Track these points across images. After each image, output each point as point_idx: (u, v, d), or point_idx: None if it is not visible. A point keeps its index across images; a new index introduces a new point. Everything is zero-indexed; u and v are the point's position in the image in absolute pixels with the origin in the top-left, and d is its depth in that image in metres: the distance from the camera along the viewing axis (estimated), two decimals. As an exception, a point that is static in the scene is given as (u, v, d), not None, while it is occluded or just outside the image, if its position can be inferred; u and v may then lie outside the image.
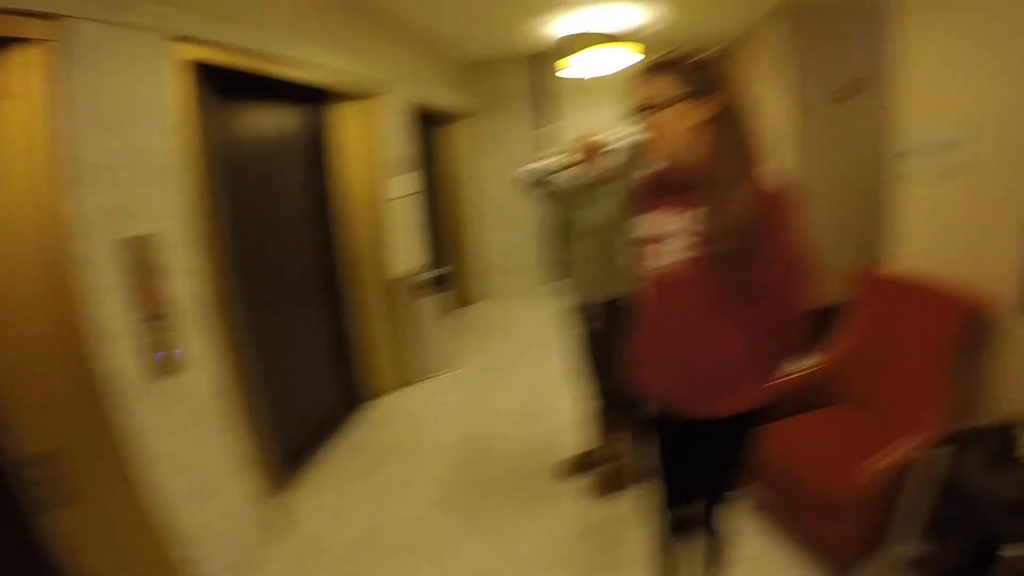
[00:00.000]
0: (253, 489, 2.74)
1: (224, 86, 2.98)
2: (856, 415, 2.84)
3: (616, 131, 2.71)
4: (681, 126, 1.60)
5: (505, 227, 7.34)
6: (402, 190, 4.79)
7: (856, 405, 2.90)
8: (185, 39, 2.39)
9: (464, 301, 7.29)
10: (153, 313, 2.20)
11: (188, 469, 2.35)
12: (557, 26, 5.38)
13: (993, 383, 2.51)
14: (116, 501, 2.08)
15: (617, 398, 3.10)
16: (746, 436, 1.82)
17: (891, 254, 3.31)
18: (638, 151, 2.56)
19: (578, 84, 6.53)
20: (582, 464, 3.35)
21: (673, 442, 1.95)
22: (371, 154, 4.32)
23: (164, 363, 2.24)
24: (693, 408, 1.76)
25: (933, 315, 2.65)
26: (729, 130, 1.58)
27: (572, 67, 5.43)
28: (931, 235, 2.96)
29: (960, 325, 2.51)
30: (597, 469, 3.29)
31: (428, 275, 4.81)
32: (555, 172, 3.06)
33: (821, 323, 3.27)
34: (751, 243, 1.51)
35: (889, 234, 3.32)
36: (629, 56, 5.35)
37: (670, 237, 1.67)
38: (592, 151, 2.86)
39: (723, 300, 1.62)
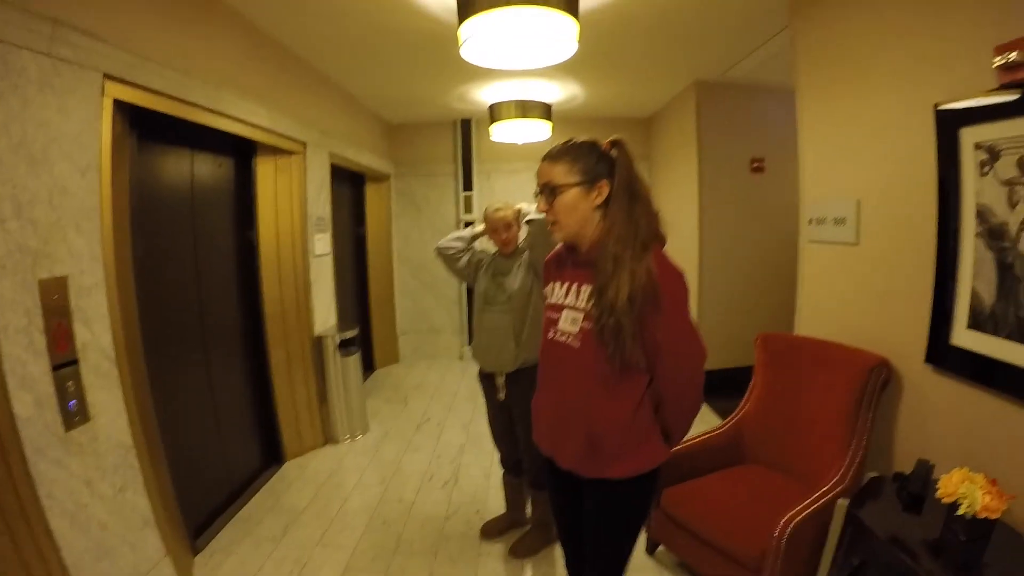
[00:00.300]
0: (163, 549, 2.56)
1: (150, 131, 2.91)
2: (766, 473, 2.91)
3: (532, 205, 2.79)
4: (575, 210, 1.74)
5: (429, 288, 7.35)
6: (325, 247, 4.76)
7: (765, 464, 2.99)
8: (114, 78, 2.33)
9: (386, 361, 7.18)
10: (65, 359, 2.07)
11: (94, 526, 2.17)
12: (484, 94, 5.55)
13: (907, 431, 2.65)
14: (19, 556, 1.90)
15: (520, 465, 3.13)
16: (637, 499, 1.87)
17: (800, 318, 3.50)
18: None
19: (506, 149, 6.73)
20: (502, 526, 3.32)
21: (569, 502, 2.00)
22: (295, 209, 4.27)
23: (75, 412, 2.09)
24: (584, 470, 1.83)
25: (836, 373, 2.78)
26: (619, 215, 1.71)
27: (501, 133, 5.60)
28: (836, 299, 3.15)
29: (862, 381, 2.65)
30: (517, 530, 3.27)
31: (350, 334, 4.73)
32: (474, 239, 3.13)
33: (731, 386, 3.39)
34: (633, 321, 1.63)
35: (798, 300, 3.52)
36: (548, 128, 5.59)
37: (567, 309, 1.81)
38: (509, 223, 2.95)
39: (607, 372, 1.71)
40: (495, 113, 5.48)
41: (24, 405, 1.90)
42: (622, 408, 1.74)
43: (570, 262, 1.87)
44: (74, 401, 2.10)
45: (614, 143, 1.76)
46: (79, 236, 2.18)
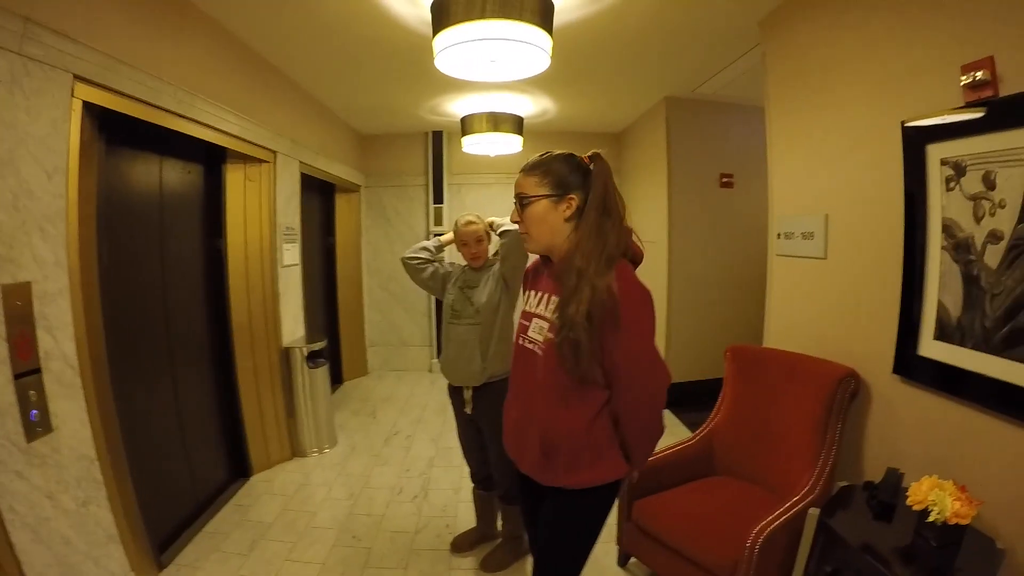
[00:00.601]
0: (127, 564, 2.48)
1: (119, 135, 2.85)
2: (737, 484, 2.93)
3: (503, 217, 2.78)
4: (543, 221, 1.77)
5: (398, 300, 7.30)
6: (294, 258, 4.70)
7: (736, 475, 3.01)
8: (84, 80, 2.28)
9: (354, 373, 7.10)
10: (27, 368, 2.00)
11: (57, 540, 2.11)
12: (457, 106, 5.56)
13: (876, 441, 2.68)
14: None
15: (490, 479, 3.11)
16: (591, 512, 1.87)
17: (769, 331, 3.54)
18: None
19: (477, 162, 6.73)
20: (473, 540, 3.29)
21: (535, 510, 1.99)
22: (265, 219, 4.21)
23: (38, 423, 2.03)
24: (540, 477, 1.85)
25: (805, 385, 2.82)
26: (588, 228, 1.72)
27: (472, 146, 5.61)
28: (805, 312, 3.20)
29: (831, 393, 2.69)
30: (488, 544, 3.24)
31: (319, 346, 4.67)
32: (440, 249, 3.11)
33: (701, 398, 3.40)
34: (592, 339, 1.64)
35: (767, 313, 3.57)
36: (520, 142, 5.61)
37: (536, 317, 1.84)
38: (479, 236, 2.94)
39: (566, 382, 1.73)
40: (467, 126, 5.49)
41: (-16, 415, 1.83)
42: (578, 419, 1.75)
43: (545, 272, 1.89)
44: (36, 411, 2.03)
45: (592, 157, 1.78)
46: (44, 241, 2.12)
